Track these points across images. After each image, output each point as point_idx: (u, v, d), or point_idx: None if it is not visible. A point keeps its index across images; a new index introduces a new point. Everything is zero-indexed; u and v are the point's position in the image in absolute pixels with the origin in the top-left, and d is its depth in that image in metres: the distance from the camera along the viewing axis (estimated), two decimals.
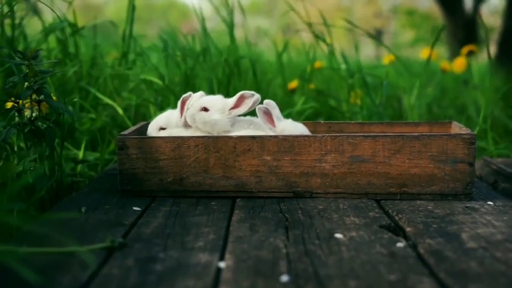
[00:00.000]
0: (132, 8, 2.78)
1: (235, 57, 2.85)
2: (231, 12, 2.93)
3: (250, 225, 1.43)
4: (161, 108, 2.62)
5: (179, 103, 1.84)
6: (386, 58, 3.51)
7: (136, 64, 2.96)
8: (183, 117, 1.84)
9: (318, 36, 3.00)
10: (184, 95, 1.85)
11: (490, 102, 2.52)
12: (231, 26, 2.90)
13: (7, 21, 2.46)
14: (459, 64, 3.34)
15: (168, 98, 2.70)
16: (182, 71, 2.80)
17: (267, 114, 1.80)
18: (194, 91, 1.90)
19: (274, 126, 1.80)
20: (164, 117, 1.88)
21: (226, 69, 2.78)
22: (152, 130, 1.88)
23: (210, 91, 2.71)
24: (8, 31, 2.44)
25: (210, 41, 2.98)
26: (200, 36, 3.07)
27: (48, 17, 2.89)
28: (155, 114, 2.55)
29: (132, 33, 2.91)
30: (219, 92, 2.64)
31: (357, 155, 1.67)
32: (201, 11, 2.94)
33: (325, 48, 3.06)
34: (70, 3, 2.74)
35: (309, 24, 2.97)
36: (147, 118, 2.64)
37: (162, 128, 1.86)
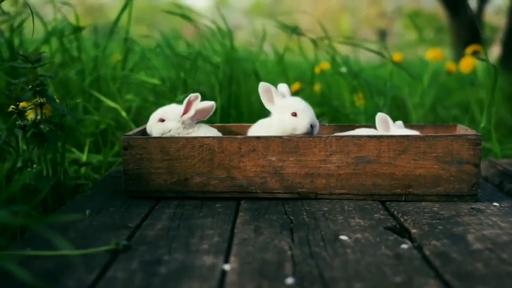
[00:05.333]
0: (123, 7, 2.77)
1: (235, 59, 2.85)
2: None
3: (254, 227, 1.43)
4: None
5: (185, 101, 1.85)
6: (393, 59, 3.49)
7: (138, 66, 2.96)
8: (186, 115, 1.85)
9: (316, 43, 2.99)
10: (191, 95, 1.85)
11: (495, 103, 2.51)
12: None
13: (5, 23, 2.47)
14: (465, 64, 3.33)
15: (169, 100, 2.70)
16: (182, 73, 2.80)
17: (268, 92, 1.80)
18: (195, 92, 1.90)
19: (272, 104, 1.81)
20: (163, 110, 1.89)
21: (228, 71, 2.77)
22: (152, 122, 1.88)
23: (211, 93, 2.71)
24: (7, 33, 2.45)
25: (209, 43, 2.98)
26: (201, 39, 3.08)
27: (50, 19, 2.89)
28: None
29: (132, 35, 2.91)
30: (220, 95, 2.64)
31: (362, 156, 1.67)
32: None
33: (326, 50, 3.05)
34: (68, 4, 2.74)
35: (301, 33, 2.97)
36: None
37: (161, 120, 1.86)
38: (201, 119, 1.90)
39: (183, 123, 1.85)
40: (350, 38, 3.10)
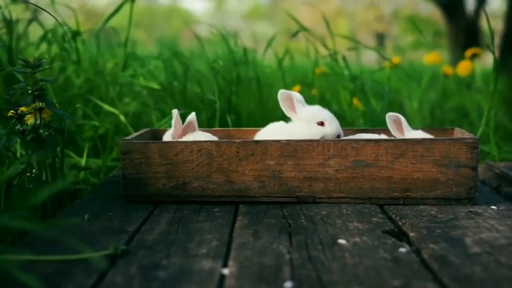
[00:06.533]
0: (115, 10, 2.78)
1: (234, 63, 2.85)
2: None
3: (253, 231, 1.43)
4: (163, 116, 2.62)
5: (172, 122, 1.87)
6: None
7: (137, 71, 2.96)
8: (173, 131, 1.86)
9: (317, 47, 3.00)
10: (173, 112, 1.86)
11: (492, 106, 2.52)
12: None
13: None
14: (463, 68, 3.33)
15: (168, 105, 2.70)
16: (181, 78, 2.80)
17: (289, 99, 1.80)
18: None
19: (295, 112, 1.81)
20: (168, 131, 1.93)
21: (227, 75, 2.78)
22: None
23: (211, 98, 2.71)
24: (7, 38, 2.45)
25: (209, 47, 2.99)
26: (201, 43, 3.08)
27: (50, 23, 2.90)
28: (157, 121, 2.56)
29: (132, 39, 2.91)
30: (220, 99, 2.64)
31: (360, 160, 1.67)
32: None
33: (326, 52, 3.06)
34: (69, 7, 2.75)
35: (306, 30, 2.97)
36: (149, 125, 2.65)
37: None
38: (193, 130, 1.91)
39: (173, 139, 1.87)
40: (351, 39, 3.10)
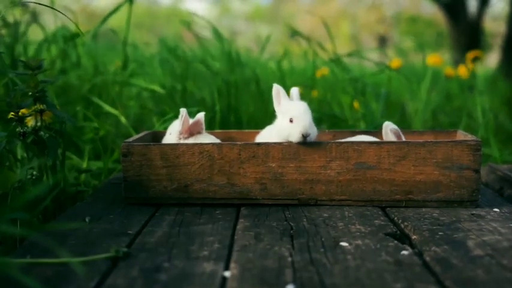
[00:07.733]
0: (113, 10, 2.77)
1: (234, 65, 2.85)
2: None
3: (255, 233, 1.42)
4: (163, 116, 2.61)
5: (182, 120, 1.86)
6: (392, 64, 3.49)
7: (137, 72, 2.96)
8: (181, 128, 1.86)
9: (317, 49, 3.00)
10: (182, 111, 1.86)
11: (494, 108, 2.52)
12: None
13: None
14: (464, 70, 3.33)
15: (169, 107, 2.70)
16: (181, 79, 2.80)
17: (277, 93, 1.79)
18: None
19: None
20: (172, 124, 1.96)
21: (227, 77, 2.78)
22: (167, 133, 1.95)
23: (211, 100, 2.71)
24: (8, 39, 2.46)
25: (208, 49, 2.99)
26: (200, 45, 3.08)
27: (50, 25, 2.90)
28: (157, 123, 2.56)
29: (132, 41, 2.92)
30: (219, 101, 2.63)
31: (362, 162, 1.67)
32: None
33: (326, 56, 3.06)
34: (70, 10, 2.76)
35: (303, 35, 2.97)
36: (150, 127, 2.64)
37: (170, 133, 1.93)
38: (199, 131, 1.90)
39: (180, 138, 1.86)
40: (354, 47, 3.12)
